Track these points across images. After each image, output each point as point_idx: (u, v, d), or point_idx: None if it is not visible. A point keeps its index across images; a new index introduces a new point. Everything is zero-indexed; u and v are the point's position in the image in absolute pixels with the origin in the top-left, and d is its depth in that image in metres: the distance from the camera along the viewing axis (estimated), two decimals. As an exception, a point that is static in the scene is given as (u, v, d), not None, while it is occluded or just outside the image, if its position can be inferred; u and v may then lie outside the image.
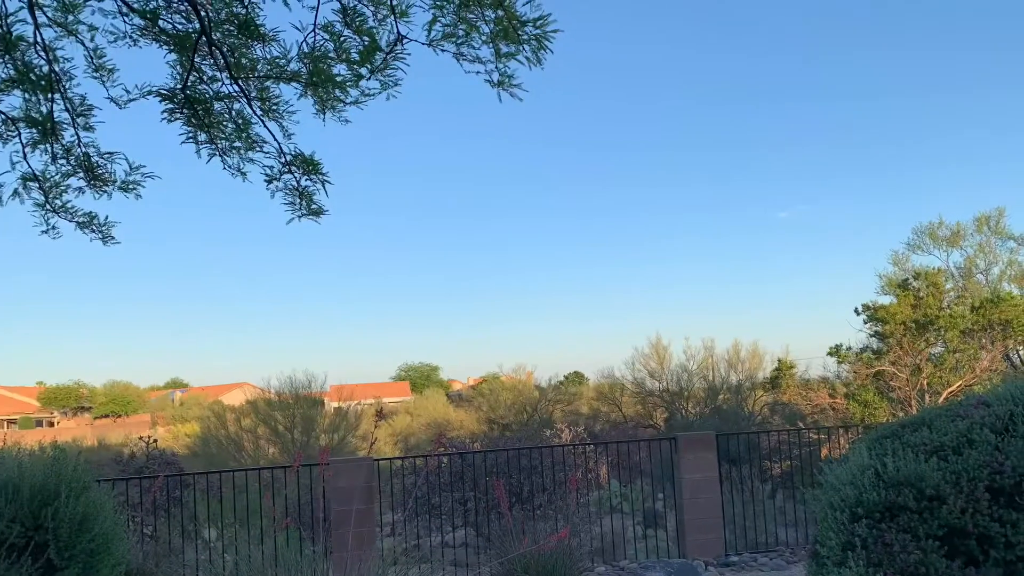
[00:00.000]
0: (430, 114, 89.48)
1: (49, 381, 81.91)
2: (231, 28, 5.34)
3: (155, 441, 18.18)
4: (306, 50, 5.25)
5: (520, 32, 4.57)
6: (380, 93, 5.30)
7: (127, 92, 5.86)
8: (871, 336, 23.51)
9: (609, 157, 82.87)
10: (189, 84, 5.60)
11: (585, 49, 75.27)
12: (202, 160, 5.93)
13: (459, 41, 4.75)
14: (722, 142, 75.97)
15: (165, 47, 5.46)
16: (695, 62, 76.64)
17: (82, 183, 6.33)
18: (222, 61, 5.44)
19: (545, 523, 10.71)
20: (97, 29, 5.62)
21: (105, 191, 6.33)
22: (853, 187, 70.55)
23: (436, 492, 14.16)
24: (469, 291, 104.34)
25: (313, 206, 6.22)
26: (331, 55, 5.20)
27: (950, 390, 20.40)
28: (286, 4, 4.81)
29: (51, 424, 75.06)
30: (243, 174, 6.15)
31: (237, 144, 5.99)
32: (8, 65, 5.56)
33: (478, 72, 4.86)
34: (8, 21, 5.33)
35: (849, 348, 23.71)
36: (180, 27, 5.37)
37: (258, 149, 6.02)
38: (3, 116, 5.97)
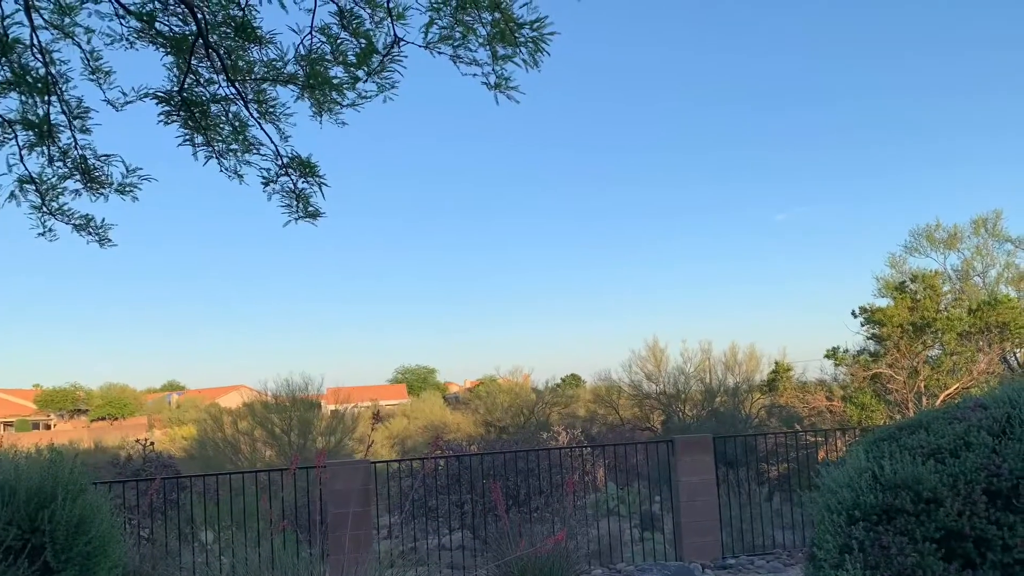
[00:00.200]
0: (427, 116, 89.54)
1: (46, 383, 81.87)
2: (228, 30, 5.34)
3: (152, 444, 18.17)
4: (303, 52, 5.25)
5: (517, 34, 4.57)
6: (377, 95, 5.30)
7: (124, 94, 5.86)
8: (868, 338, 23.54)
9: (606, 159, 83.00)
10: (186, 86, 5.59)
11: (583, 50, 75.42)
12: (199, 162, 5.93)
13: (456, 43, 4.75)
14: (720, 144, 76.06)
15: (162, 49, 5.46)
16: (693, 63, 76.79)
17: (79, 185, 6.33)
18: (219, 63, 5.44)
19: (542, 526, 10.72)
20: (94, 31, 5.63)
21: (102, 193, 6.33)
22: (850, 189, 70.75)
23: (433, 495, 14.15)
24: (466, 293, 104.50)
25: (310, 208, 6.22)
26: (328, 57, 5.20)
27: (947, 392, 20.42)
28: (283, 6, 4.81)
29: (47, 427, 74.88)
30: (240, 176, 6.15)
31: (234, 146, 5.99)
32: (5, 67, 5.56)
33: (475, 74, 4.87)
34: (5, 23, 5.33)
35: (846, 351, 23.75)
36: (177, 29, 5.37)
37: (255, 151, 6.02)
38: (0, 118, 5.97)
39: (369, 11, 4.97)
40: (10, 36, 5.39)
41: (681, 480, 10.39)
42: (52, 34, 5.65)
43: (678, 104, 77.27)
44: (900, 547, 3.84)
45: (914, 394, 21.03)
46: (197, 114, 5.76)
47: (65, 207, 6.41)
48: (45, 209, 6.39)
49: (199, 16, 5.13)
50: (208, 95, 5.73)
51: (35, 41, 5.51)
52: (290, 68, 5.40)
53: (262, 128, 5.85)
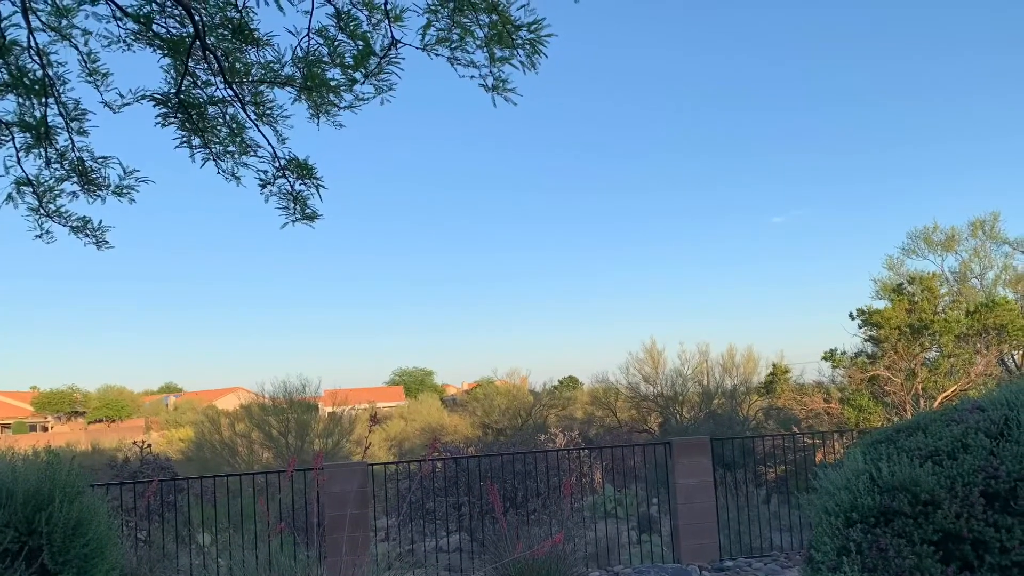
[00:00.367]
0: (425, 118, 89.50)
1: (43, 386, 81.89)
2: (225, 32, 5.33)
3: (149, 446, 18.17)
4: (300, 54, 5.25)
5: (514, 37, 4.57)
6: (374, 97, 5.30)
7: (121, 96, 5.85)
8: (866, 341, 23.57)
9: (604, 161, 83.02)
10: (183, 88, 5.59)
11: (582, 51, 75.44)
12: (196, 164, 5.93)
13: (453, 45, 4.75)
14: (717, 146, 76.17)
15: (159, 51, 5.45)
16: (690, 65, 76.84)
17: (76, 187, 6.32)
18: (216, 65, 5.44)
19: (539, 528, 10.71)
20: (91, 33, 5.62)
21: (99, 195, 6.32)
22: (848, 192, 70.93)
23: (430, 497, 14.15)
24: (463, 295, 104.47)
25: (307, 210, 6.22)
26: (325, 59, 5.20)
27: (945, 394, 20.44)
28: (280, 8, 4.81)
29: (45, 429, 74.81)
30: (237, 178, 6.14)
31: (231, 148, 5.99)
32: (2, 69, 5.55)
33: (472, 76, 4.86)
34: (2, 25, 5.32)
35: (844, 353, 23.77)
36: (174, 31, 5.36)
37: (252, 153, 6.02)
38: (-3, 120, 5.97)
39: (367, 13, 4.97)
40: (7, 38, 5.38)
41: (678, 482, 10.39)
42: (49, 36, 5.65)
43: (676, 106, 77.47)
44: (898, 549, 3.84)
45: (912, 396, 21.04)
46: (194, 116, 5.75)
47: (62, 209, 6.40)
48: (42, 211, 6.38)
49: (196, 18, 5.12)
50: (205, 97, 5.72)
51: (32, 43, 5.51)
52: (287, 70, 5.40)
53: (259, 130, 5.84)
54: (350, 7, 4.95)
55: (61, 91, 5.86)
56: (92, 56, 5.78)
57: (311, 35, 5.12)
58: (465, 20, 4.63)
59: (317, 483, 8.98)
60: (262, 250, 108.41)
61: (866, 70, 68.55)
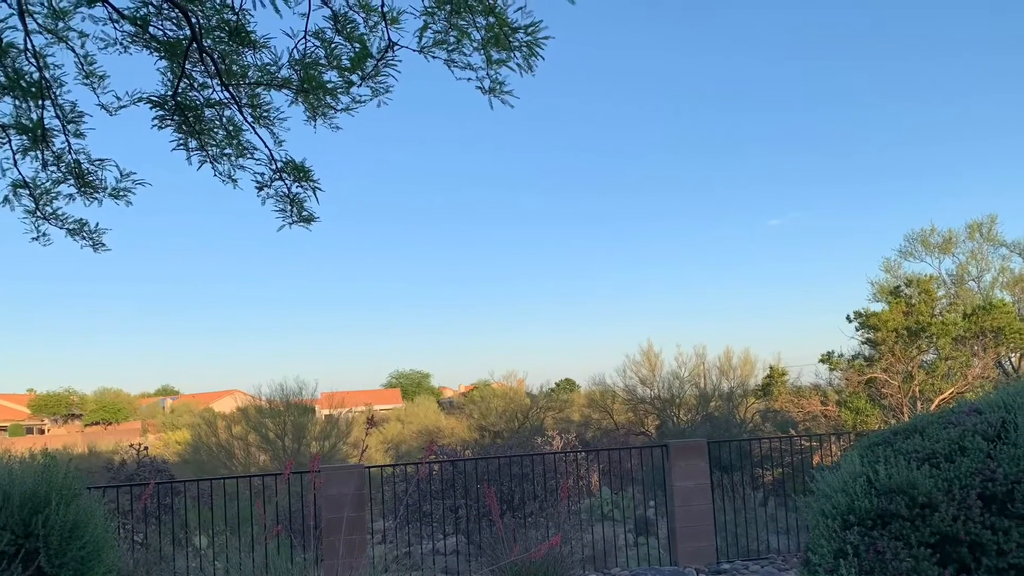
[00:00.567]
0: (422, 120, 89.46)
1: (39, 388, 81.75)
2: (222, 35, 5.33)
3: (146, 448, 18.18)
4: (297, 57, 5.24)
5: (511, 39, 4.57)
6: (371, 100, 5.30)
7: (118, 99, 5.84)
8: (863, 343, 23.59)
9: (601, 163, 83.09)
10: (180, 91, 5.58)
11: (580, 53, 75.49)
12: (193, 167, 5.92)
13: (450, 48, 4.75)
14: (714, 148, 76.20)
15: (156, 54, 5.44)
16: (688, 67, 76.89)
17: (73, 190, 6.31)
18: (213, 68, 5.43)
19: (536, 531, 10.70)
20: (88, 36, 5.60)
21: (96, 198, 6.31)
22: (846, 193, 70.94)
23: (427, 499, 14.14)
24: (461, 297, 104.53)
25: (304, 213, 6.21)
26: (322, 62, 5.19)
27: (942, 397, 20.46)
28: (277, 11, 4.80)
29: (41, 431, 74.71)
30: (234, 181, 6.14)
31: (228, 151, 5.98)
32: (-1, 72, 5.54)
33: (469, 79, 4.86)
34: (-2, 27, 5.31)
35: (841, 355, 23.81)
36: (171, 34, 5.35)
37: (249, 156, 6.01)
38: (-7, 122, 5.95)
39: (363, 15, 4.96)
40: (4, 40, 5.37)
41: (675, 485, 10.39)
42: (46, 38, 5.63)
43: (673, 108, 77.48)
44: (895, 552, 3.84)
45: (909, 399, 21.06)
46: (191, 118, 5.74)
47: (59, 211, 6.39)
48: (39, 213, 6.37)
49: (193, 20, 5.11)
50: (202, 99, 5.72)
51: (29, 45, 5.49)
52: (284, 72, 5.39)
53: (256, 132, 5.83)
54: (347, 9, 4.95)
55: (58, 93, 5.85)
56: (89, 58, 5.77)
57: (308, 37, 5.12)
58: (462, 22, 4.62)
59: (314, 486, 8.97)
60: (259, 252, 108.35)
61: (864, 71, 68.69)
